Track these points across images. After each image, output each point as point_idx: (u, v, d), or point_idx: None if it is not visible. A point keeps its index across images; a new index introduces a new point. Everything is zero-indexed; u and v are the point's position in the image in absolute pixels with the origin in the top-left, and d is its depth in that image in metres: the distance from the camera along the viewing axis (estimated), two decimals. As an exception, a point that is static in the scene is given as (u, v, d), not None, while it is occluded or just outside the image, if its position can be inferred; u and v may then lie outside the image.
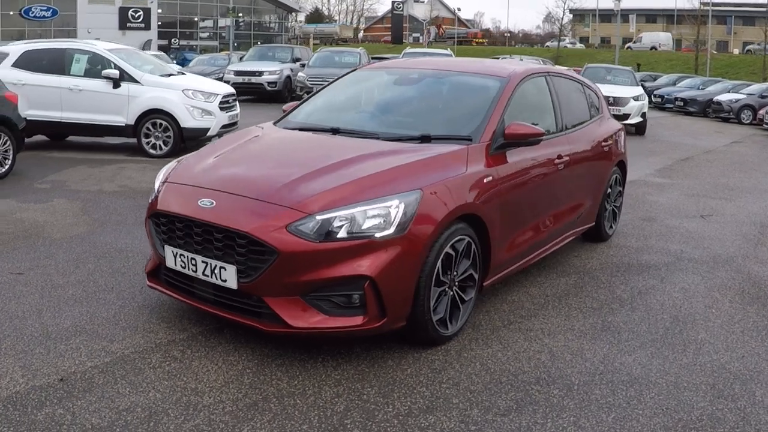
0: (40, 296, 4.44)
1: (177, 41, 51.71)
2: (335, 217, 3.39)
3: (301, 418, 3.08)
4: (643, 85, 18.33)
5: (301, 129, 4.63)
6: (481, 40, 69.61)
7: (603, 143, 5.79)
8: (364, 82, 5.31)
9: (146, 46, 46.04)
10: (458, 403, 3.24)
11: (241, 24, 61.47)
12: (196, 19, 56.23)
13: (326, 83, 5.49)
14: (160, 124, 9.93)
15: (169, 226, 3.80)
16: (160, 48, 47.40)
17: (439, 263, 3.64)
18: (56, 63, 9.94)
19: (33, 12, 43.34)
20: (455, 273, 3.84)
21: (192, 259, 3.68)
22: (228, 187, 3.74)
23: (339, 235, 3.36)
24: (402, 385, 3.40)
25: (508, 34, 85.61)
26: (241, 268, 3.48)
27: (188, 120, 9.93)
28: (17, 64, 9.92)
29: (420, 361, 3.66)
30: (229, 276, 3.52)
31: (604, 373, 3.60)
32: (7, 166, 8.06)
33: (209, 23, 58.21)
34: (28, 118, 9.86)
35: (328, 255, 3.35)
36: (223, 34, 51.86)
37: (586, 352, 3.84)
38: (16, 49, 10.14)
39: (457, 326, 3.92)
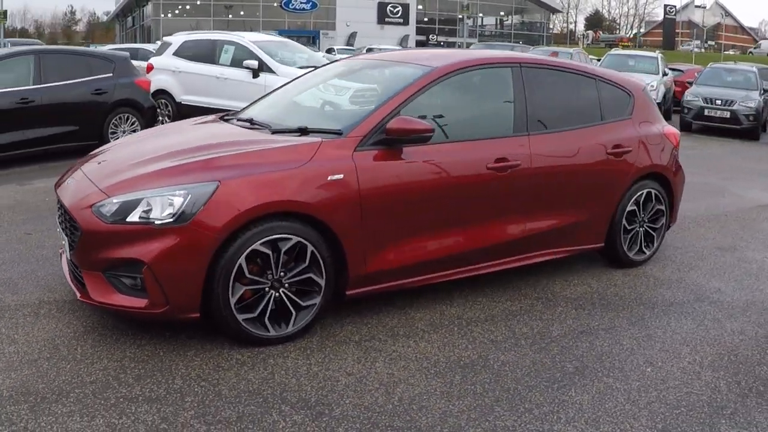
0: (17, 253, 5.03)
1: (435, 37, 53.54)
2: (129, 201, 3.42)
3: (50, 380, 3.20)
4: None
5: (238, 119, 4.60)
6: (627, 44, 62.48)
7: (611, 150, 4.74)
8: (323, 73, 5.10)
9: (403, 41, 48.54)
10: (188, 402, 3.06)
11: (505, 22, 61.79)
12: (459, 16, 57.64)
13: None
14: (291, 112, 10.48)
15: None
16: (418, 43, 49.63)
17: (242, 259, 3.41)
18: (208, 53, 11.04)
19: (293, 4, 47.03)
20: (281, 274, 3.53)
21: (59, 230, 3.99)
22: (89, 169, 3.99)
23: (128, 219, 3.39)
24: (170, 372, 3.31)
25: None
26: (70, 242, 3.71)
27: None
28: (177, 53, 11.24)
29: (218, 357, 3.48)
30: (66, 247, 3.77)
31: (378, 412, 3.01)
32: (134, 143, 9.21)
33: (471, 21, 59.44)
34: (183, 103, 11.19)
35: (117, 237, 3.41)
36: (458, 30, 52.43)
37: (398, 387, 3.24)
38: (178, 39, 11.50)
39: (287, 330, 3.60)
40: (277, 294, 3.57)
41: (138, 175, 3.58)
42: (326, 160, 3.66)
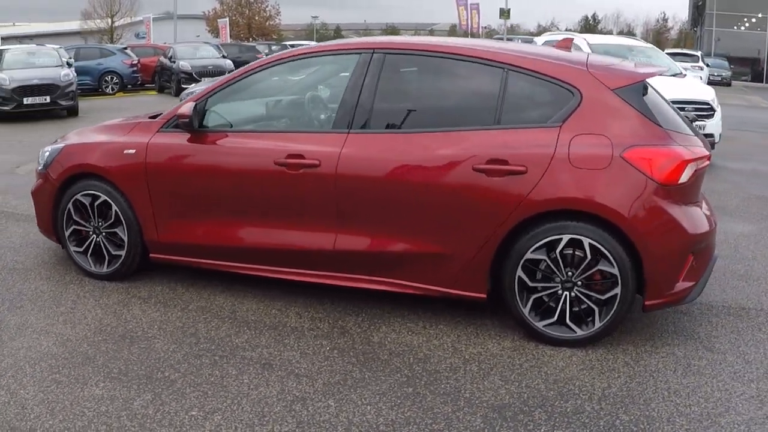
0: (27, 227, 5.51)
1: None
2: (47, 152, 4.62)
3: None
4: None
5: None
6: None
7: (483, 166, 3.40)
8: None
9: None
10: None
11: None
12: None
13: None
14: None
15: None
16: None
17: (70, 205, 4.34)
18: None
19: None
20: (99, 223, 4.29)
21: None
22: None
23: (39, 167, 4.68)
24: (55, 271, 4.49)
25: None
26: None
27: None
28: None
29: (70, 276, 4.42)
30: None
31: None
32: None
33: None
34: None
35: (38, 176, 4.71)
36: None
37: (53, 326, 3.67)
38: (541, 40, 12.73)
39: (103, 271, 4.30)
40: (98, 239, 4.33)
41: (61, 137, 4.91)
42: (131, 137, 4.21)
